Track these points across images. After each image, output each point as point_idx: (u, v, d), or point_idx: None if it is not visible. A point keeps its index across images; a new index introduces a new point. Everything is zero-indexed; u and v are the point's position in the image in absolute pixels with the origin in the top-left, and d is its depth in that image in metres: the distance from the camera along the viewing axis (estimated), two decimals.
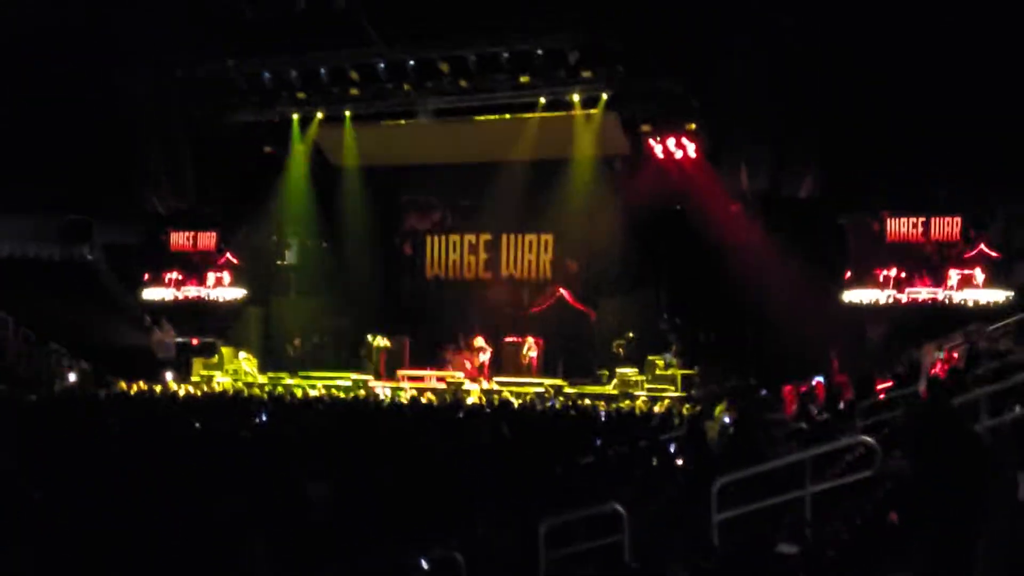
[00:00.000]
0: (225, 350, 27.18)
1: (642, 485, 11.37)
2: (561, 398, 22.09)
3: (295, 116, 27.07)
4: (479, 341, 25.01)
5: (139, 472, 11.54)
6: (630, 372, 23.39)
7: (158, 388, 23.88)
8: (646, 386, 22.97)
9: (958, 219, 22.06)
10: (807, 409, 15.54)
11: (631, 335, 24.26)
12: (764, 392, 19.69)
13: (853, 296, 22.48)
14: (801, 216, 22.96)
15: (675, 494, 9.88)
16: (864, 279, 22.57)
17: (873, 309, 22.21)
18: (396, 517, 9.94)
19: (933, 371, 15.11)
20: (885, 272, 22.41)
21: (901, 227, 22.67)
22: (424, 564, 8.60)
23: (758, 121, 22.17)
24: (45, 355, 25.96)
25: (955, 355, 16.65)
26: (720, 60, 22.13)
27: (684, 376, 22.84)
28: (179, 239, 29.66)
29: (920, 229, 22.43)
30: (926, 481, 5.94)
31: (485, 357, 24.87)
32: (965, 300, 21.39)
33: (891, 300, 22.11)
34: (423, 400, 20.99)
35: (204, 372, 26.47)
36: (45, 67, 24.93)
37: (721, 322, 22.97)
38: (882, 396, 13.80)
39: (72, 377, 25.55)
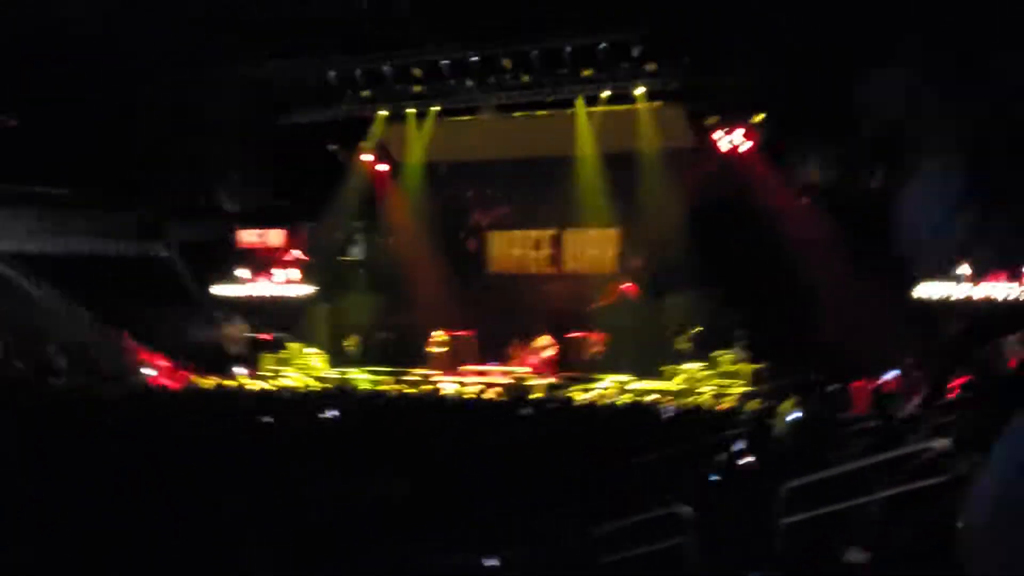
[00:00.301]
0: (293, 346, 27.56)
1: (706, 486, 11.26)
2: (625, 394, 22.01)
3: (360, 114, 27.29)
4: (544, 337, 24.99)
5: (213, 466, 11.75)
6: (695, 367, 23.17)
7: (230, 383, 24.33)
8: (712, 382, 22.73)
9: None
10: (882, 406, 15.25)
11: (698, 329, 24.03)
12: (832, 388, 19.37)
13: (924, 291, 21.96)
14: (872, 208, 22.49)
15: (740, 496, 9.74)
16: (936, 273, 22.03)
17: (945, 304, 21.68)
18: (451, 516, 9.96)
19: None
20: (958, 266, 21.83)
21: None
22: (496, 562, 8.58)
23: (826, 113, 21.79)
24: (123, 351, 26.56)
25: None
26: (788, 52, 21.79)
27: (753, 371, 22.55)
28: (248, 236, 30.11)
29: None
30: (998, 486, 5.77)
31: (550, 353, 24.84)
32: None
33: (964, 295, 21.55)
34: (486, 396, 21.09)
35: (273, 367, 26.84)
36: (121, 65, 25.46)
37: (789, 317, 22.62)
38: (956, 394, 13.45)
39: (149, 372, 26.11)
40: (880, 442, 10.14)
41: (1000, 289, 21.22)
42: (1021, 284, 21.00)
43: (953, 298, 21.56)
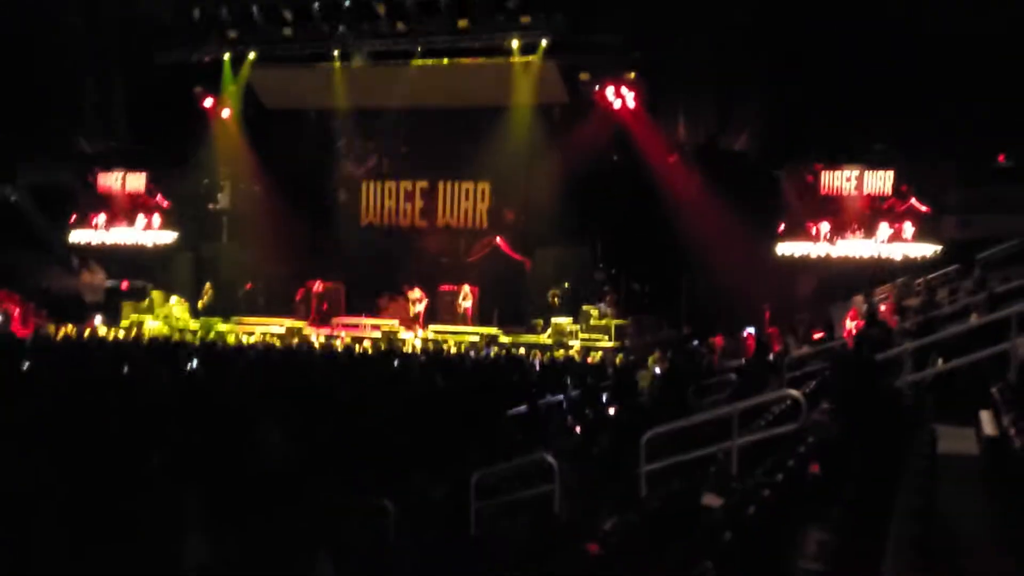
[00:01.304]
0: (156, 294, 26.70)
1: (574, 434, 11.48)
2: (496, 347, 22.15)
3: (227, 56, 26.41)
4: (415, 290, 24.89)
5: (67, 417, 11.35)
6: (565, 322, 23.47)
7: (87, 332, 23.48)
8: (580, 336, 23.08)
9: (891, 173, 22.36)
10: (741, 360, 15.81)
11: (566, 284, 24.31)
12: (695, 343, 19.98)
13: (786, 249, 22.75)
14: (737, 168, 23.11)
15: (606, 445, 9.98)
16: (797, 232, 22.84)
17: (805, 262, 22.52)
18: (328, 465, 9.91)
19: (859, 325, 15.41)
20: (817, 225, 22.68)
21: (835, 180, 22.93)
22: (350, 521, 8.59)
23: (698, 73, 22.20)
24: None
25: (882, 308, 16.99)
26: (661, 10, 22.07)
27: (618, 326, 22.98)
28: (107, 180, 28.95)
29: (853, 183, 22.71)
30: (847, 435, 6.07)
31: (421, 306, 24.77)
32: (894, 254, 21.75)
33: (823, 253, 22.41)
34: (358, 349, 20.92)
35: (134, 317, 25.96)
36: None
37: (656, 273, 23.14)
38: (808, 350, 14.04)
39: None
40: (737, 394, 10.52)
41: (858, 247, 22.15)
42: (875, 242, 21.97)
43: (812, 256, 22.42)
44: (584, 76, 24.50)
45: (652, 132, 23.76)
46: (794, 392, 7.86)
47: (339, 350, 20.45)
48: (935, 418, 6.30)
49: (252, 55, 26.26)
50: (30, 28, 25.49)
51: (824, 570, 4.02)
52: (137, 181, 28.76)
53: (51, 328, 24.27)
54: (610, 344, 22.40)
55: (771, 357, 14.85)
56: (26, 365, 16.54)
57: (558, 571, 5.81)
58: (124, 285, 27.92)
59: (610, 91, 24.18)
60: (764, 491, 4.72)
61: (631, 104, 24.11)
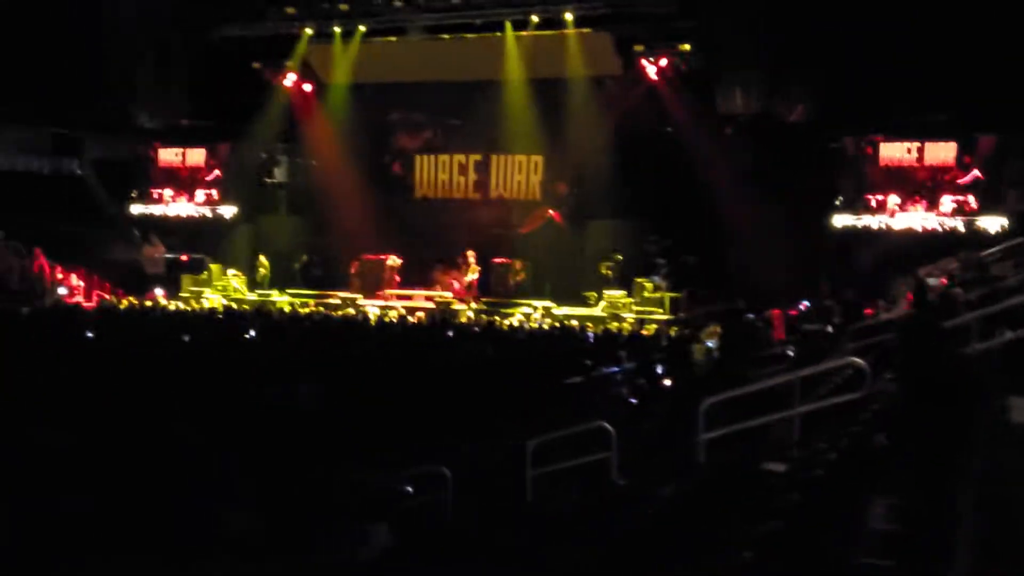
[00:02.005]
0: (214, 267, 27.09)
1: (629, 404, 11.46)
2: (548, 319, 22.16)
3: (285, 31, 26.60)
4: (468, 261, 24.95)
5: (128, 384, 11.60)
6: (618, 295, 23.40)
7: (148, 303, 23.90)
8: (634, 308, 23.00)
9: (953, 144, 21.88)
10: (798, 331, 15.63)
11: (619, 257, 24.21)
12: (751, 316, 19.77)
13: (844, 221, 22.41)
14: (793, 140, 22.77)
15: (662, 414, 9.94)
16: (855, 204, 22.48)
17: (865, 234, 22.17)
18: (385, 433, 10.02)
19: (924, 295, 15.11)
20: (877, 197, 22.30)
21: (894, 152, 22.51)
22: (409, 490, 8.68)
23: (752, 43, 21.87)
24: (35, 269, 25.88)
25: (945, 280, 16.68)
26: None
27: (672, 299, 22.86)
28: (168, 155, 29.41)
29: (914, 154, 22.28)
30: (913, 403, 5.98)
31: (473, 277, 24.83)
32: (957, 226, 21.32)
33: (883, 226, 22.04)
34: (411, 319, 21.06)
35: (193, 288, 26.39)
36: None
37: (710, 245, 22.90)
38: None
39: (62, 291, 25.51)
40: (797, 363, 10.41)
41: (919, 219, 21.75)
42: (938, 215, 21.55)
43: (872, 228, 22.06)
44: (638, 47, 24.28)
45: (706, 103, 23.49)
46: (857, 360, 7.76)
47: (393, 321, 20.60)
48: (1007, 389, 6.17)
49: (309, 30, 26.44)
50: (93, 6, 25.83)
51: (896, 530, 3.97)
52: (197, 155, 29.19)
53: (113, 299, 24.78)
54: (664, 317, 22.30)
55: (830, 328, 14.66)
56: (90, 335, 16.94)
57: (617, 535, 5.82)
58: (184, 258, 28.35)
59: (664, 63, 23.97)
60: (830, 455, 4.67)
61: (683, 76, 23.89)
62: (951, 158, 21.90)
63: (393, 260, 25.87)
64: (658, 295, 23.03)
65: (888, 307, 15.99)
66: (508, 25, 24.82)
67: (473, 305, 24.08)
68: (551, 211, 26.29)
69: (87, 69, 25.71)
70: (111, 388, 11.34)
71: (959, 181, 21.70)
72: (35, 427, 8.91)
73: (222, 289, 26.49)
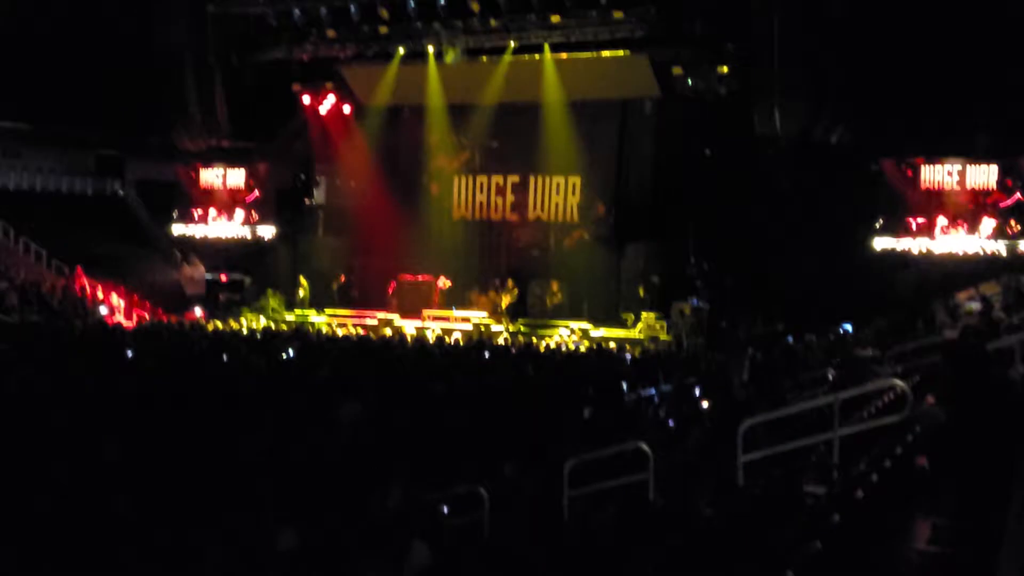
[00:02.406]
0: (252, 287, 27.34)
1: (667, 427, 11.39)
2: (585, 341, 22.13)
3: (324, 54, 26.92)
4: (506, 283, 24.99)
5: (168, 402, 11.70)
6: (655, 316, 23.32)
7: (187, 323, 24.12)
8: (671, 330, 22.90)
9: (995, 167, 21.66)
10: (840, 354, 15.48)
11: (657, 279, 24.13)
12: (791, 338, 19.62)
13: (885, 244, 22.21)
14: (833, 162, 22.65)
15: (700, 436, 9.87)
16: (896, 227, 22.28)
17: (904, 257, 21.95)
18: (423, 453, 10.02)
19: (966, 319, 14.98)
20: (918, 220, 22.09)
21: (935, 174, 22.30)
22: (445, 509, 8.68)
23: (792, 66, 21.79)
24: (78, 288, 26.26)
25: (988, 303, 16.50)
26: (753, 2, 21.77)
27: (710, 321, 22.73)
28: (209, 176, 29.78)
29: (955, 177, 22.06)
30: (959, 426, 5.91)
31: (512, 298, 24.87)
32: (999, 250, 21.05)
33: (924, 249, 21.81)
34: (449, 340, 21.09)
35: (232, 308, 26.63)
36: (80, 5, 24.92)
37: (749, 268, 22.78)
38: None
39: (103, 310, 25.83)
40: (837, 386, 10.30)
41: (960, 242, 21.49)
42: (979, 237, 21.30)
43: (913, 251, 21.84)
44: (676, 70, 24.26)
45: (745, 125, 23.41)
46: (899, 382, 7.67)
47: (430, 342, 20.65)
48: None
49: (349, 52, 26.72)
50: (136, 29, 26.29)
51: (940, 552, 3.92)
52: (237, 177, 29.54)
53: (153, 318, 25.07)
54: (702, 340, 22.17)
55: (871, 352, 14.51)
56: (129, 353, 17.11)
57: (655, 555, 5.78)
58: (223, 278, 28.64)
59: (701, 84, 23.93)
60: (871, 476, 4.62)
61: (722, 98, 23.85)
62: (993, 181, 21.67)
63: (444, 281, 25.88)
64: (696, 317, 22.91)
65: (953, 323, 15.77)
66: (546, 47, 24.92)
67: (510, 326, 24.10)
68: (589, 232, 26.28)
69: (131, 92, 26.13)
70: (151, 405, 11.44)
71: (1001, 204, 21.45)
72: (80, 440, 9.02)
73: (261, 308, 26.71)
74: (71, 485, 7.97)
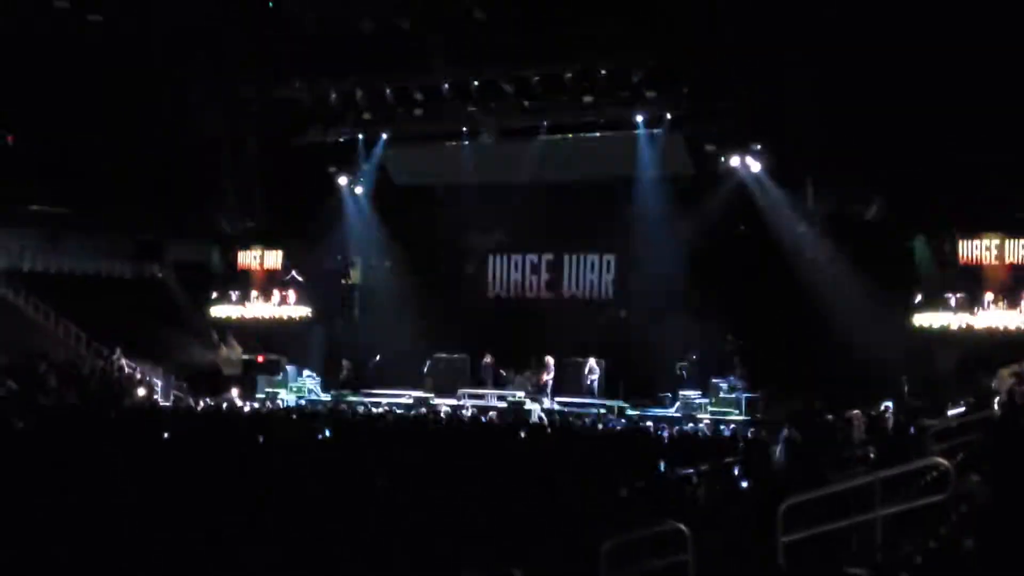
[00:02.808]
0: (289, 368, 27.46)
1: (706, 507, 11.20)
2: (623, 419, 21.93)
3: (360, 136, 27.39)
4: (542, 361, 24.92)
5: (206, 483, 11.68)
6: (693, 394, 23.09)
7: (224, 404, 24.20)
8: (709, 408, 22.65)
9: None
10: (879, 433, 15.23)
11: (694, 357, 23.97)
12: (830, 416, 19.33)
13: (923, 320, 21.93)
14: (870, 237, 22.55)
15: (740, 516, 9.68)
16: (935, 302, 22.01)
17: (944, 333, 21.64)
18: (457, 532, 9.91)
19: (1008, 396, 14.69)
20: (957, 296, 21.82)
21: (974, 250, 22.09)
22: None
23: (826, 140, 21.85)
24: (116, 370, 26.49)
25: None
26: (787, 80, 21.92)
27: (748, 399, 22.47)
28: (246, 258, 30.14)
29: (994, 252, 21.84)
30: (1005, 505, 5.75)
31: (548, 377, 24.76)
32: None
33: (963, 325, 21.50)
34: (484, 419, 20.99)
35: (269, 389, 26.71)
36: (119, 87, 25.55)
37: (786, 345, 22.57)
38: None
39: (140, 392, 25.99)
40: (879, 464, 10.09)
41: (1001, 317, 21.17)
42: (1020, 313, 20.97)
43: (952, 327, 21.52)
44: (710, 147, 24.40)
45: (780, 201, 23.43)
46: (942, 460, 7.49)
47: (465, 420, 20.55)
48: None
49: (384, 135, 27.17)
50: (173, 113, 26.91)
51: None
52: (274, 258, 29.86)
53: (190, 400, 25.19)
54: (740, 417, 21.90)
55: (913, 429, 14.24)
56: (166, 435, 17.15)
57: None
58: (260, 359, 28.77)
59: (736, 161, 24.02)
60: (916, 558, 4.49)
61: (758, 174, 23.90)
62: None
63: (488, 358, 25.81)
64: (734, 395, 22.67)
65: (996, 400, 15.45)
66: (579, 126, 25.17)
67: (546, 404, 23.95)
68: (623, 310, 26.19)
69: (169, 175, 26.65)
70: (188, 487, 11.43)
71: None
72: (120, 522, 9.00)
73: (297, 389, 26.78)
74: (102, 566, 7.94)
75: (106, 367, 26.48)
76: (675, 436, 18.44)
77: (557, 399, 24.40)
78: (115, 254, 30.27)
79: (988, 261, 21.90)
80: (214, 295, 29.75)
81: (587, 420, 21.48)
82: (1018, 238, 21.63)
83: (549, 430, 18.62)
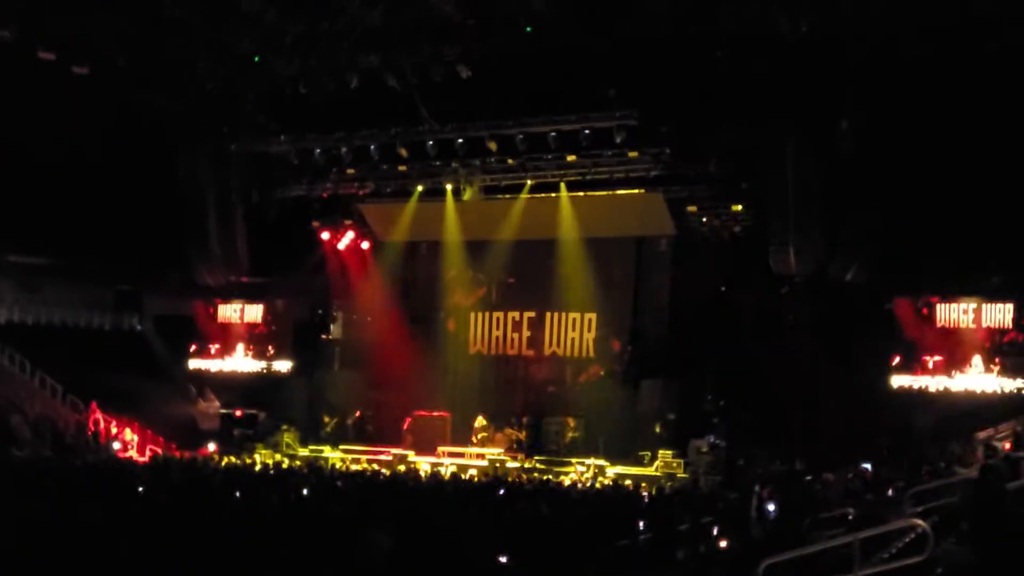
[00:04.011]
0: (267, 422, 27.27)
1: (686, 566, 11.15)
2: (601, 478, 21.84)
3: (343, 191, 27.54)
4: (521, 419, 24.86)
5: (179, 541, 11.53)
6: (672, 453, 23.05)
7: (200, 458, 23.95)
8: (688, 468, 22.59)
9: (1011, 305, 21.70)
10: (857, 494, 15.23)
11: (672, 416, 23.97)
12: (809, 477, 19.36)
13: (902, 382, 22.08)
14: (849, 300, 22.74)
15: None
16: (913, 365, 22.18)
17: (922, 395, 21.78)
18: None
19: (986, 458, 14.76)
20: (935, 358, 22.00)
21: (951, 313, 22.35)
22: None
23: (806, 202, 22.12)
24: (91, 423, 26.22)
25: (1007, 444, 16.31)
26: (767, 143, 22.23)
27: (727, 459, 22.43)
28: (227, 311, 30.08)
29: (971, 315, 22.09)
30: (982, 567, 5.77)
31: (526, 435, 24.67)
32: (1018, 388, 20.89)
33: (941, 387, 21.66)
34: (464, 476, 20.86)
35: (246, 443, 26.47)
36: (101, 140, 25.59)
37: (766, 405, 22.62)
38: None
39: (116, 445, 25.73)
40: (857, 525, 10.10)
41: (978, 381, 21.35)
42: (997, 376, 21.16)
43: (931, 389, 21.67)
44: (691, 208, 24.64)
45: (760, 262, 23.62)
46: (920, 522, 7.52)
47: (445, 478, 20.41)
48: None
49: (367, 190, 27.32)
50: (157, 165, 26.93)
51: None
52: (255, 312, 29.85)
53: (166, 453, 24.91)
54: (719, 477, 21.84)
55: (890, 492, 14.27)
56: (140, 489, 16.94)
57: None
58: (238, 413, 28.57)
59: (716, 223, 24.26)
60: None
61: (737, 235, 24.13)
62: (1009, 320, 21.69)
63: (480, 421, 25.58)
64: (713, 455, 22.63)
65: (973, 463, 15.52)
66: (563, 186, 25.41)
67: (526, 462, 23.84)
68: (604, 369, 26.22)
69: (150, 227, 26.59)
70: (162, 543, 11.28)
71: (1019, 342, 21.40)
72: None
73: (275, 444, 26.55)
74: None
75: (81, 420, 26.22)
76: (654, 495, 18.38)
77: (537, 457, 24.28)
78: (94, 305, 30.13)
79: (966, 324, 22.14)
80: (193, 348, 29.65)
81: (566, 478, 21.43)
82: (995, 302, 21.88)
83: (528, 488, 18.50)
